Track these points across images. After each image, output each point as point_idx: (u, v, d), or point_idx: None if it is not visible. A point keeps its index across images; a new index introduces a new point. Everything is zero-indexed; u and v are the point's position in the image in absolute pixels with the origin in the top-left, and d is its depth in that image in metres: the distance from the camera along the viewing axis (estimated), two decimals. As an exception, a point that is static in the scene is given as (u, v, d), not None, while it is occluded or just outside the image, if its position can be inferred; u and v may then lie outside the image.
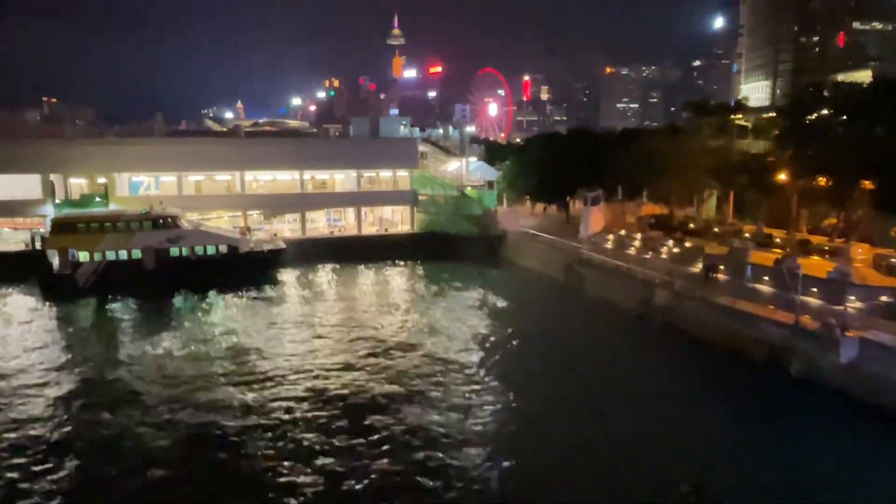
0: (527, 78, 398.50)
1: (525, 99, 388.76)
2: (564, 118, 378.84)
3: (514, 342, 44.93)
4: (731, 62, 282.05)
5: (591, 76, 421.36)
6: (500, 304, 55.55)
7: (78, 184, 72.91)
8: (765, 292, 43.62)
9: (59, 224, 61.56)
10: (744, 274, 46.64)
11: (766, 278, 45.00)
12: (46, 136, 78.02)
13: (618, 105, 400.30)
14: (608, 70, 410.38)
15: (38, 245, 62.87)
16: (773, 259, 45.71)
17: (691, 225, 65.98)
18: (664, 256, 56.02)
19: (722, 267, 48.32)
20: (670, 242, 59.07)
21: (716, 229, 62.56)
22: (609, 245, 62.43)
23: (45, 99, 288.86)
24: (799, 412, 33.37)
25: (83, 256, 60.59)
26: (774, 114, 67.84)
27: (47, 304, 56.65)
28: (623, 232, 65.76)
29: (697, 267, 50.88)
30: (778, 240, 55.47)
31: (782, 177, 56.04)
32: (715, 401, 35.00)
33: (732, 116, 73.89)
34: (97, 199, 67.66)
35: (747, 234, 58.41)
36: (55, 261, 60.36)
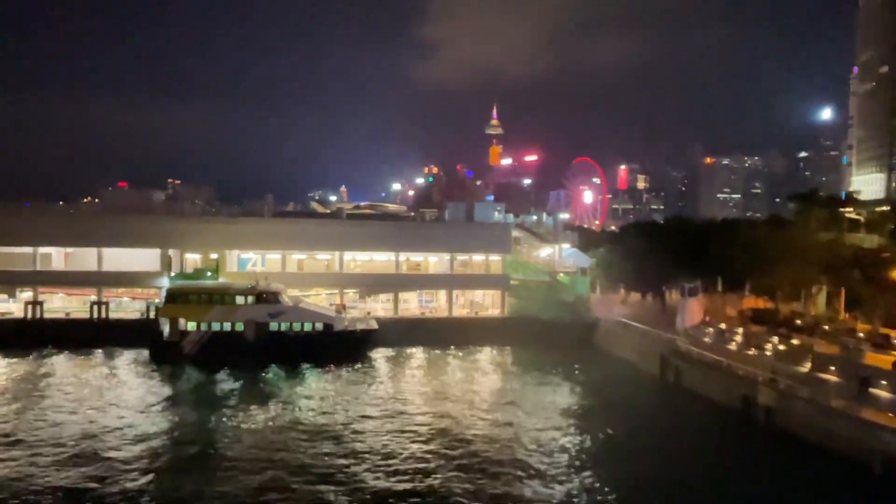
0: (623, 167, 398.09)
1: (621, 188, 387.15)
2: (662, 207, 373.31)
3: (606, 441, 42.70)
4: (841, 154, 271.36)
5: (690, 166, 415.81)
6: (591, 395, 53.72)
7: (193, 258, 78.20)
8: (882, 397, 40.18)
9: (172, 295, 65.92)
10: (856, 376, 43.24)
11: (884, 382, 41.53)
12: (168, 215, 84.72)
13: (718, 195, 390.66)
14: (708, 160, 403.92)
15: (152, 314, 67.52)
16: (892, 362, 42.31)
17: (798, 321, 62.30)
18: (768, 353, 52.93)
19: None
20: (775, 339, 55.87)
21: (826, 327, 58.76)
22: (708, 338, 59.76)
23: (169, 180, 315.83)
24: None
25: (191, 326, 64.25)
26: (889, 207, 64.35)
27: (155, 368, 60.19)
28: (723, 325, 62.93)
29: (805, 366, 47.66)
30: (897, 341, 51.38)
31: (900, 273, 52.51)
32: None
33: (843, 209, 70.62)
34: (208, 273, 72.13)
35: (861, 333, 54.49)
36: (166, 329, 64.32)
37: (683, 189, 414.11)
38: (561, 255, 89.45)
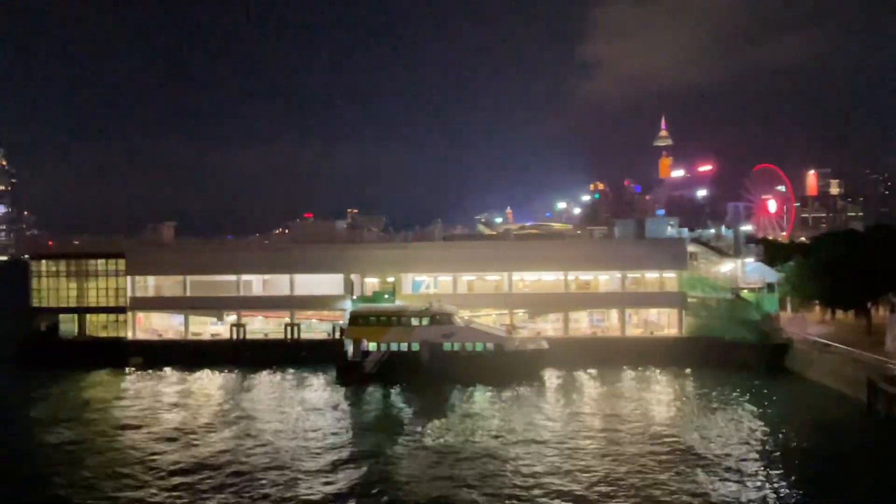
0: (812, 172, 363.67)
1: (810, 195, 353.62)
2: (860, 214, 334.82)
3: (809, 481, 38.34)
4: None
5: (893, 166, 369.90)
6: (787, 428, 48.63)
7: (371, 282, 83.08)
8: None
9: (355, 317, 70.47)
10: None
11: None
12: (349, 242, 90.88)
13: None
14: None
15: (337, 335, 72.65)
16: None
17: None
18: None
19: None
20: None
21: None
22: (927, 361, 52.48)
23: (349, 210, 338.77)
24: None
25: (371, 346, 68.15)
26: None
27: (342, 386, 64.75)
28: (946, 346, 54.99)
29: None
30: None
31: None
32: None
33: None
34: (386, 296, 76.20)
35: None
36: (349, 349, 68.78)
37: (886, 192, 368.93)
38: (744, 270, 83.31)
